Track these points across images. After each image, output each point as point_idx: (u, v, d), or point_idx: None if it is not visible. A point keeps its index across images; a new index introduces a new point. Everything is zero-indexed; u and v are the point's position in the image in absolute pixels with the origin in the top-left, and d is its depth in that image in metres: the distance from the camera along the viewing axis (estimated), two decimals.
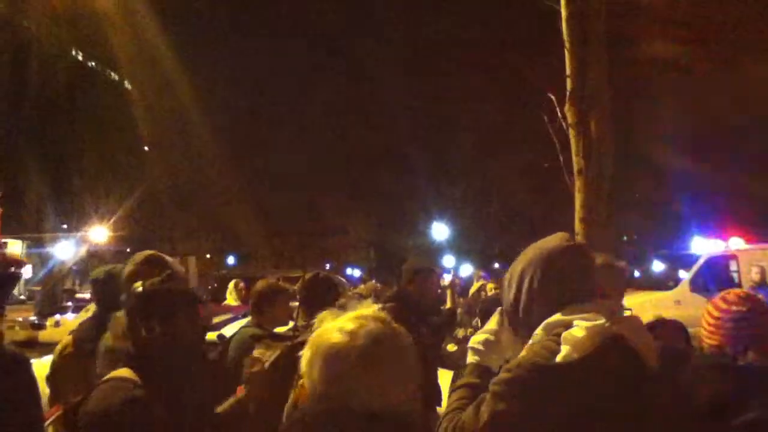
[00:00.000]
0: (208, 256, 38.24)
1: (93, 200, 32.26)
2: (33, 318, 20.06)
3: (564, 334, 1.58)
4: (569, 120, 4.12)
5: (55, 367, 3.49)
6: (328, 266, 40.96)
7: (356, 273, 43.65)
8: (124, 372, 2.19)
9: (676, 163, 21.17)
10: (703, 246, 14.90)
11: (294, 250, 35.02)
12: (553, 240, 1.75)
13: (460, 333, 7.24)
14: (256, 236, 34.53)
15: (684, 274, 13.75)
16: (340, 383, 1.27)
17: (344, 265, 43.25)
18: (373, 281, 10.81)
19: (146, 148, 34.61)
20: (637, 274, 19.81)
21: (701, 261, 13.00)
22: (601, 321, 1.59)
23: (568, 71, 4.17)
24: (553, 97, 4.38)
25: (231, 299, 9.44)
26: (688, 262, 14.00)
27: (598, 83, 4.13)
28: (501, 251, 37.22)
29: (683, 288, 12.60)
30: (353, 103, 33.08)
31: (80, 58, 32.44)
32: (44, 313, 20.69)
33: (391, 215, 36.40)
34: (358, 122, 33.36)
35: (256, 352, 3.55)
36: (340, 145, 33.77)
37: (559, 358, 1.56)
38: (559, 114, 4.27)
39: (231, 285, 9.47)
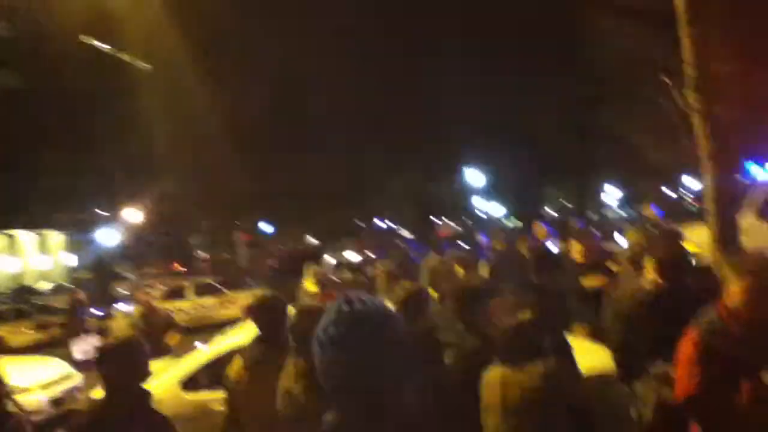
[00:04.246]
0: (237, 222, 38.49)
1: (124, 180, 32.43)
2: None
3: None
4: (694, 106, 4.16)
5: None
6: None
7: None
8: None
9: None
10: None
11: (326, 213, 34.95)
12: None
13: None
14: (287, 202, 34.62)
15: None
16: None
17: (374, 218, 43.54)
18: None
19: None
20: None
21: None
22: None
23: (686, 57, 4.17)
24: (668, 81, 4.40)
25: (310, 285, 9.59)
26: None
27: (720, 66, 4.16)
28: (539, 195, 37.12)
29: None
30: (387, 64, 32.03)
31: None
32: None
33: (427, 168, 36.14)
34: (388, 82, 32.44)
35: None
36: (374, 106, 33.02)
37: None
38: (678, 100, 4.30)
39: (311, 271, 9.61)
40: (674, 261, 3.74)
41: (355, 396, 1.40)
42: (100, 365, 2.94)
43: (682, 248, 4.13)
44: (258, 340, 3.71)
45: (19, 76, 30.48)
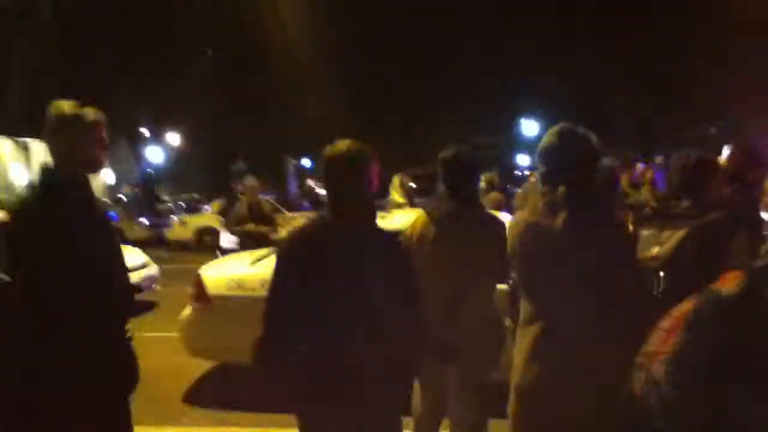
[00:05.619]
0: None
1: (167, 101, 31.92)
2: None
3: None
4: None
5: None
6: None
7: None
8: None
9: None
10: None
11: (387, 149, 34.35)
12: None
13: None
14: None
15: None
16: None
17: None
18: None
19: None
20: None
21: None
22: None
23: None
24: None
25: (397, 196, 9.20)
26: None
27: None
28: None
29: None
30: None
31: None
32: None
33: (479, 117, 35.00)
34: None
35: None
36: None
37: None
38: None
39: (397, 180, 9.22)
40: None
41: None
42: (324, 172, 2.50)
43: None
44: (446, 196, 3.44)
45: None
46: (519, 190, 10.47)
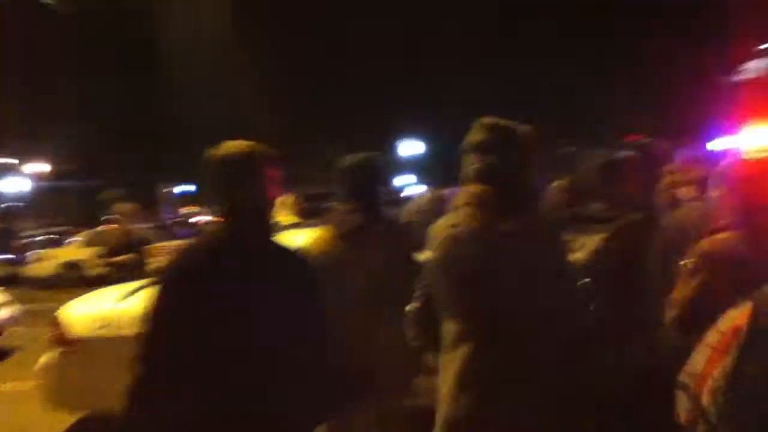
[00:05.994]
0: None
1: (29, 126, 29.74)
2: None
3: None
4: None
5: None
6: None
7: None
8: None
9: None
10: None
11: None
12: None
13: None
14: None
15: None
16: None
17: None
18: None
19: None
20: None
21: None
22: None
23: None
24: None
25: (286, 218, 8.79)
26: None
27: None
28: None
29: None
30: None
31: None
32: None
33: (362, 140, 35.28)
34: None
35: None
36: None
37: None
38: None
39: (287, 200, 8.83)
40: None
41: None
42: (212, 178, 2.09)
43: None
44: (351, 208, 3.06)
45: None
46: (406, 207, 10.32)
